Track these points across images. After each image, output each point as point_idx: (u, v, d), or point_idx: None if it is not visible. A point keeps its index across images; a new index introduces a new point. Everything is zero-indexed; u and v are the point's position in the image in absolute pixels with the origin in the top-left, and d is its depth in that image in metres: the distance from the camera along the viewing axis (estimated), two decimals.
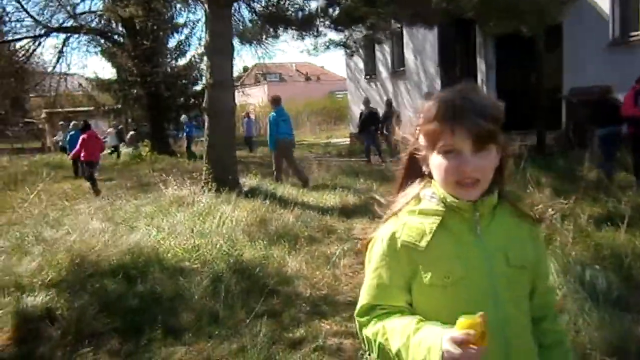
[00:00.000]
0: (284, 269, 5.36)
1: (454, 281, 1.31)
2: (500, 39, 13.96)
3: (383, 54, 17.70)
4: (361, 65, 18.88)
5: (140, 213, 8.15)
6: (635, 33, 10.79)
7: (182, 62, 23.19)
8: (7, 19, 17.31)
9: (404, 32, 16.10)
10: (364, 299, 1.46)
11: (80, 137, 11.70)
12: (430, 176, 1.40)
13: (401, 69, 17.15)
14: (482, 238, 1.34)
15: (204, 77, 23.36)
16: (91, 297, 4.49)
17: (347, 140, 19.68)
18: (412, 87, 16.63)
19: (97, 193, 11.00)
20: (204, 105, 8.98)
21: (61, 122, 22.25)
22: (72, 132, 16.15)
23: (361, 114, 14.54)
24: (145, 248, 5.96)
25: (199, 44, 23.34)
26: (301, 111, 30.39)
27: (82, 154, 11.42)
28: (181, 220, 7.27)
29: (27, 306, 4.33)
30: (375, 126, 14.21)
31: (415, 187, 1.45)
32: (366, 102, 14.77)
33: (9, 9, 16.97)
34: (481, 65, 14.18)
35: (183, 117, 20.77)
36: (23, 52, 19.47)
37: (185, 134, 20.11)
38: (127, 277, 5.14)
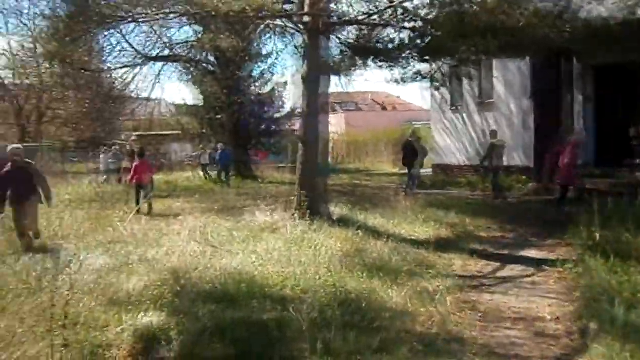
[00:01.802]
0: (387, 304, 5.20)
1: None
2: (599, 69, 13.32)
3: (471, 84, 17.35)
4: (447, 95, 18.59)
5: (234, 237, 8.29)
6: None
7: (265, 89, 23.88)
8: (109, 50, 18.61)
9: (494, 61, 15.70)
10: None
11: (134, 164, 13.21)
12: None
13: (490, 100, 16.72)
14: None
15: (285, 105, 24.09)
16: (201, 321, 4.53)
17: (430, 171, 19.32)
18: (502, 119, 16.12)
19: (148, 213, 11.91)
20: (297, 132, 9.07)
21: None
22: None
23: (492, 145, 13.24)
24: (245, 274, 6.02)
25: (282, 73, 23.93)
26: (379, 140, 30.28)
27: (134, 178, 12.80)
28: (276, 247, 7.31)
29: (143, 326, 4.44)
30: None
31: None
32: (494, 133, 13.69)
33: (113, 40, 18.15)
34: (578, 97, 13.52)
35: (220, 145, 20.87)
36: (121, 80, 20.87)
37: (220, 162, 19.97)
38: (232, 301, 5.18)
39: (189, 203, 13.63)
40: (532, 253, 7.68)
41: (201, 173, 21.34)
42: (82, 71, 18.07)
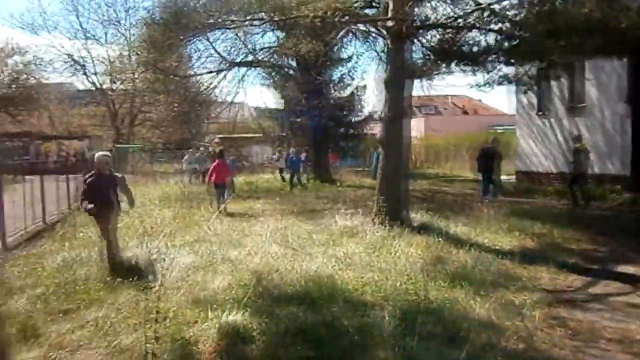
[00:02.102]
0: (470, 315, 5.05)
1: None
2: None
3: (560, 88, 16.50)
4: (534, 99, 17.79)
5: (314, 241, 8.39)
6: None
7: (344, 93, 24.00)
8: (197, 56, 19.38)
9: (586, 63, 14.84)
10: None
11: (212, 165, 13.80)
12: None
13: (581, 105, 15.81)
14: None
15: (364, 109, 24.08)
16: (283, 322, 4.61)
17: (513, 178, 18.58)
18: (594, 124, 15.19)
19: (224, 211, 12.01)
20: (378, 136, 9.03)
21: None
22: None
23: (576, 150, 12.76)
24: (325, 277, 6.06)
25: (362, 77, 23.95)
26: (459, 145, 29.49)
27: (212, 177, 13.22)
28: (355, 252, 7.32)
29: (227, 324, 4.59)
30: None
31: None
32: (578, 138, 13.21)
33: (200, 46, 18.90)
34: None
35: (292, 150, 21.11)
36: (207, 85, 21.72)
37: (290, 166, 20.21)
38: (312, 304, 5.24)
39: (269, 204, 13.94)
40: (629, 269, 7.16)
41: (279, 176, 21.84)
42: (172, 77, 18.99)
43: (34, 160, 27.76)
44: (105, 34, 47.46)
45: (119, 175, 7.55)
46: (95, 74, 37.00)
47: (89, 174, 7.12)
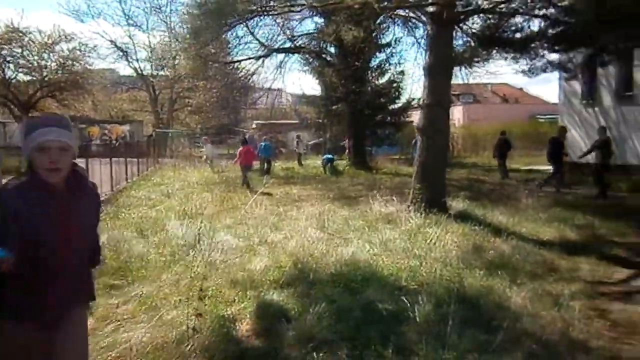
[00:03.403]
0: (506, 303, 5.03)
1: None
2: None
3: (606, 76, 15.95)
4: (578, 87, 17.26)
5: (350, 226, 8.46)
6: None
7: (382, 80, 23.81)
8: (236, 43, 19.62)
9: (635, 50, 14.29)
10: None
11: (239, 150, 15.79)
12: None
13: (629, 93, 15.26)
14: None
15: (402, 96, 23.85)
16: (319, 304, 4.70)
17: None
18: None
19: (248, 188, 14.23)
20: (417, 124, 8.99)
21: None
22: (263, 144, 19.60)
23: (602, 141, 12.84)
24: (360, 262, 6.13)
25: (398, 63, 23.60)
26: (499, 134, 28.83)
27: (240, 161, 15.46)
28: (390, 238, 7.34)
29: (266, 303, 4.72)
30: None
31: None
32: (602, 130, 13.19)
33: (240, 33, 19.12)
34: None
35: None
36: (246, 71, 22.00)
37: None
38: (348, 288, 5.32)
39: (305, 190, 14.07)
40: None
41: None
42: (211, 63, 19.29)
43: (79, 143, 28.63)
44: (147, 20, 48.39)
45: None
46: (137, 60, 37.94)
47: None
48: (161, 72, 37.16)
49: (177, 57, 27.61)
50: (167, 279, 5.71)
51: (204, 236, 6.67)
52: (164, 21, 35.30)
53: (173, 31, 25.56)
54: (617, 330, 4.65)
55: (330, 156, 20.53)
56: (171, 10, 34.85)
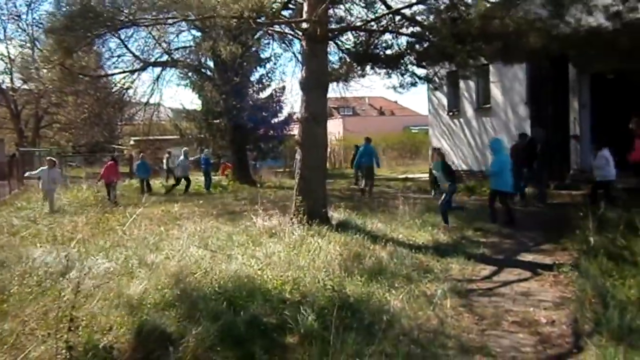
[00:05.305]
0: (385, 307, 5.25)
1: None
2: (595, 76, 13.45)
3: (468, 89, 17.46)
4: (444, 100, 18.69)
5: (233, 242, 8.35)
6: None
7: (263, 94, 23.97)
8: (108, 55, 18.64)
9: (491, 67, 15.81)
10: None
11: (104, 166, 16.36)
12: None
13: (487, 105, 16.82)
14: None
15: (283, 110, 24.17)
16: (202, 324, 4.57)
17: (427, 176, 19.40)
18: (499, 124, 16.21)
19: (116, 205, 14.43)
20: (296, 137, 9.14)
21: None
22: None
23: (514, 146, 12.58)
24: (244, 277, 6.07)
25: (280, 78, 23.99)
26: (377, 145, 30.29)
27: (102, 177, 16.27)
28: (274, 252, 7.36)
29: (146, 328, 4.48)
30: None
31: None
32: (523, 136, 12.93)
33: (112, 45, 18.21)
34: (574, 104, 13.63)
35: (205, 152, 21.53)
36: (120, 85, 20.93)
37: (203, 169, 20.45)
38: (231, 304, 5.23)
39: (187, 207, 13.66)
40: (529, 257, 7.74)
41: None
42: (80, 76, 18.11)
43: None
44: (5, 29, 44.23)
45: None
46: None
47: None
48: (24, 86, 34.12)
49: (41, 68, 25.52)
50: (32, 312, 5.22)
51: (75, 262, 6.20)
52: (24, 29, 32.60)
53: (35, 41, 23.71)
54: (484, 323, 5.06)
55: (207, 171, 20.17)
56: (33, 19, 32.27)
